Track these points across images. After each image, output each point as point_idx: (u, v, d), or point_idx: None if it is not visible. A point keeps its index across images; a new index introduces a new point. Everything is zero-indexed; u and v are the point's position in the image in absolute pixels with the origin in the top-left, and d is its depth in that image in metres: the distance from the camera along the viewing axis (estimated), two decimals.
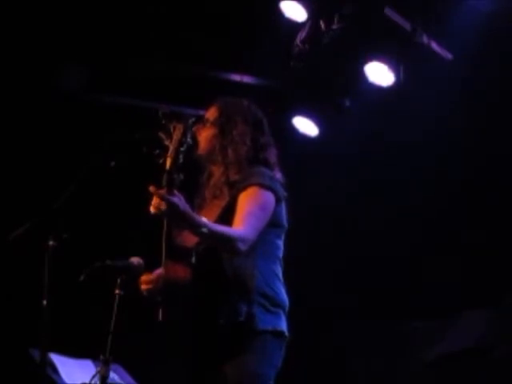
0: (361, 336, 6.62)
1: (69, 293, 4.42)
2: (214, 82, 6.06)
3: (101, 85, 6.23)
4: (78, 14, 5.73)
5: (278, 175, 3.59)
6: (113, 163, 3.53)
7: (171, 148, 3.24)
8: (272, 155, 3.64)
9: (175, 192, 3.14)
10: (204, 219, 3.24)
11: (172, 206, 3.11)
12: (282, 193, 3.54)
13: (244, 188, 3.45)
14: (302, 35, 5.57)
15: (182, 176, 3.22)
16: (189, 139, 3.28)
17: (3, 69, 5.93)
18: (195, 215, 3.22)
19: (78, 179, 3.56)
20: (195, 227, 3.21)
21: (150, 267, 3.51)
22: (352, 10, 5.26)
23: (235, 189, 3.48)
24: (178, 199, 3.13)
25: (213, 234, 3.23)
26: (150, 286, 3.44)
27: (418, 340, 6.27)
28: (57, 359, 4.20)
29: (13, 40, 5.79)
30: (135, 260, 3.52)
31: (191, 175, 3.49)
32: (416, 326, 6.30)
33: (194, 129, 3.44)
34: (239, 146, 3.58)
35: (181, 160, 3.23)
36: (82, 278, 3.40)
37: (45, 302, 3.41)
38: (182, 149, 3.24)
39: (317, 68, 5.82)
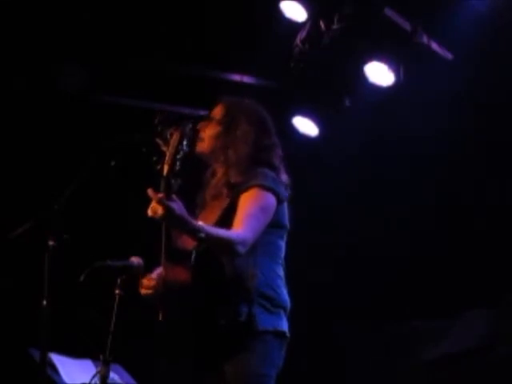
0: (361, 336, 6.62)
1: (69, 293, 4.41)
2: (214, 82, 6.06)
3: (101, 85, 6.23)
4: (78, 13, 5.73)
5: (283, 177, 3.58)
6: (113, 163, 3.53)
7: (168, 154, 3.24)
8: (276, 156, 3.61)
9: (173, 197, 3.14)
10: (200, 223, 3.23)
11: (168, 210, 3.10)
12: (284, 194, 3.53)
13: (245, 189, 3.44)
14: (302, 35, 5.58)
15: (179, 181, 3.22)
16: (185, 146, 3.28)
17: (3, 69, 5.93)
18: (191, 220, 3.20)
19: (77, 179, 3.56)
20: (191, 232, 3.20)
21: (149, 267, 3.51)
22: (352, 10, 5.26)
23: (236, 190, 3.48)
24: (176, 204, 3.13)
25: (210, 238, 3.22)
26: (149, 291, 3.43)
27: (418, 340, 6.27)
28: (57, 359, 4.20)
29: (13, 40, 5.79)
30: (135, 260, 3.51)
31: (189, 181, 3.48)
32: (416, 325, 6.30)
33: (198, 127, 3.49)
34: (240, 146, 3.57)
35: (178, 167, 3.23)
36: (81, 278, 3.40)
37: (45, 302, 3.41)
38: (178, 156, 3.24)
39: (317, 68, 5.82)
